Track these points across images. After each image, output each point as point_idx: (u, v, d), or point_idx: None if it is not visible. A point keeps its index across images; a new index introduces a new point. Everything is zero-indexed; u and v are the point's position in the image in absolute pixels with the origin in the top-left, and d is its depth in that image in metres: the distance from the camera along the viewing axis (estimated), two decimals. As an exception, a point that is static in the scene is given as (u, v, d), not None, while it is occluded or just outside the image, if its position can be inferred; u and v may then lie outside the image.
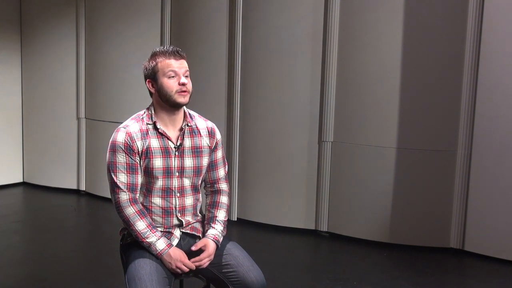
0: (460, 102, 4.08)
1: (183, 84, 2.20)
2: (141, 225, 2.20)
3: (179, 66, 2.21)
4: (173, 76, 2.20)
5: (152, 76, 2.24)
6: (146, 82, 2.27)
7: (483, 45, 3.94)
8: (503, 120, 3.92)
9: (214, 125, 2.41)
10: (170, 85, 2.20)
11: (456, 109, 4.10)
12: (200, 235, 2.34)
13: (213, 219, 2.34)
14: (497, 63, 3.90)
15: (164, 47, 2.25)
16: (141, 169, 2.24)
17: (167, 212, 2.28)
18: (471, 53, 4.01)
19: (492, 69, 3.92)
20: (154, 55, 2.25)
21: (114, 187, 2.22)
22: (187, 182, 2.30)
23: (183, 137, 2.28)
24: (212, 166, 2.39)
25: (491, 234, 4.03)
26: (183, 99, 2.22)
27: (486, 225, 4.04)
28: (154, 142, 2.24)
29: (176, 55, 2.22)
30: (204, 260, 2.21)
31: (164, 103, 2.23)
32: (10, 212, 5.12)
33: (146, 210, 2.26)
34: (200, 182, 2.37)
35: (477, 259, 4.07)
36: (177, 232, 2.30)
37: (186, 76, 2.24)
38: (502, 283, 3.71)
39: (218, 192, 2.42)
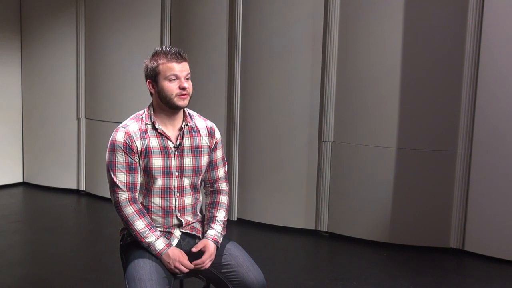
0: (460, 102, 4.08)
1: (184, 89, 2.20)
2: (140, 224, 2.20)
3: (181, 69, 2.20)
4: (174, 79, 2.19)
5: (152, 77, 2.23)
6: (147, 82, 2.26)
7: (483, 45, 3.94)
8: (503, 120, 3.92)
9: (213, 124, 2.41)
10: (171, 88, 2.19)
11: (456, 109, 4.10)
12: (200, 235, 2.34)
13: (212, 219, 2.34)
14: (497, 63, 3.90)
15: (166, 48, 2.22)
16: (140, 168, 2.24)
17: (166, 212, 2.28)
18: (471, 53, 4.00)
19: (492, 69, 3.92)
20: (155, 55, 2.23)
21: (114, 186, 2.22)
22: (186, 182, 2.30)
23: (183, 137, 2.28)
24: (211, 165, 2.39)
25: (491, 234, 4.02)
26: (182, 102, 2.21)
27: (486, 225, 4.04)
28: (154, 142, 2.24)
29: (178, 57, 2.20)
30: (206, 261, 2.21)
31: (164, 104, 2.23)
32: (10, 212, 5.11)
33: (146, 210, 2.27)
34: (199, 182, 2.36)
35: (477, 259, 4.06)
36: (176, 232, 2.30)
37: (187, 79, 2.23)
38: (502, 283, 3.71)
39: (218, 192, 2.42)
